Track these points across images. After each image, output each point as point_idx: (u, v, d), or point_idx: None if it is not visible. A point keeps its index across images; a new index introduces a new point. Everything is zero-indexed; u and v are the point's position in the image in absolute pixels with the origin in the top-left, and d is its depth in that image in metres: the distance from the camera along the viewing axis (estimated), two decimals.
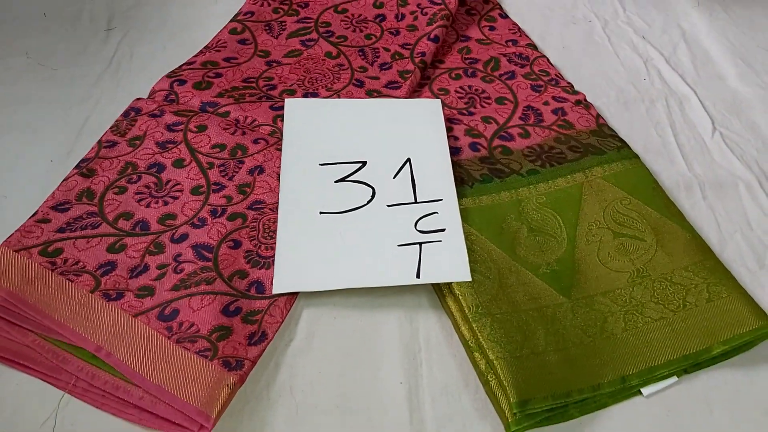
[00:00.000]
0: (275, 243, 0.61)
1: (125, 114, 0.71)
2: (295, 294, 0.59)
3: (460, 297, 0.58)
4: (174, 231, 0.62)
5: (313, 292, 0.60)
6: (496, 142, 0.72)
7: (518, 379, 0.53)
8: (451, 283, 0.59)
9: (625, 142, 0.72)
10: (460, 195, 0.65)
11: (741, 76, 0.86)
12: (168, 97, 0.73)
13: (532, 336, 0.56)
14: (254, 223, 0.63)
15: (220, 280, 0.58)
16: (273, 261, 0.60)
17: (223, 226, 0.62)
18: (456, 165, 0.68)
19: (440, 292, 0.60)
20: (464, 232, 0.62)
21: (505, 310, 0.58)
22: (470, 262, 0.60)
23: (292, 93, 0.76)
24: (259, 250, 0.61)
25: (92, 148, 0.68)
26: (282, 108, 0.72)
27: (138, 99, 0.73)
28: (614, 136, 0.73)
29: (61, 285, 0.57)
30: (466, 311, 0.57)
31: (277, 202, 0.64)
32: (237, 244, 0.61)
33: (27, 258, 0.58)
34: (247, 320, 0.56)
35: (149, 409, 0.51)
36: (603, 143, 0.72)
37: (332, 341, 0.58)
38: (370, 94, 0.76)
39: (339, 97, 0.76)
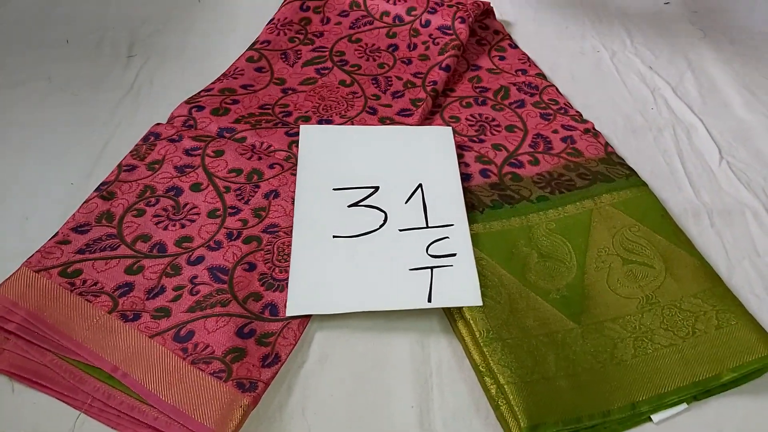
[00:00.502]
0: (289, 266, 0.62)
1: (145, 138, 0.73)
2: (308, 317, 0.60)
3: (471, 322, 0.59)
4: (191, 253, 0.63)
5: (325, 315, 0.61)
6: (506, 168, 0.73)
7: (529, 403, 0.53)
8: (462, 307, 0.60)
9: (633, 170, 0.74)
10: (471, 220, 0.67)
11: (747, 105, 0.87)
12: (186, 123, 0.75)
13: (543, 361, 0.57)
14: (269, 246, 0.64)
15: (234, 302, 0.60)
16: (287, 284, 0.61)
17: (238, 249, 0.64)
18: (467, 191, 0.70)
19: (451, 316, 0.61)
20: (475, 257, 0.63)
21: (515, 335, 0.58)
22: (481, 286, 0.61)
23: (307, 120, 0.77)
24: (274, 273, 0.62)
25: (112, 172, 0.69)
26: (297, 134, 0.74)
27: (157, 124, 0.75)
28: (622, 164, 0.74)
29: (79, 305, 0.58)
30: (477, 336, 0.58)
31: (292, 226, 0.65)
32: (252, 267, 0.62)
33: (47, 278, 0.59)
34: (260, 342, 0.57)
35: (164, 429, 0.52)
36: (611, 171, 0.73)
37: (344, 364, 0.58)
38: (383, 121, 0.78)
39: (353, 123, 0.77)
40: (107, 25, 0.92)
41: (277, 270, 0.63)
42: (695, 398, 0.57)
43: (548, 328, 0.59)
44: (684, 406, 0.56)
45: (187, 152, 0.72)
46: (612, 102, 0.86)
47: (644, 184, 0.72)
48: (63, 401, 0.54)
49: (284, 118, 0.77)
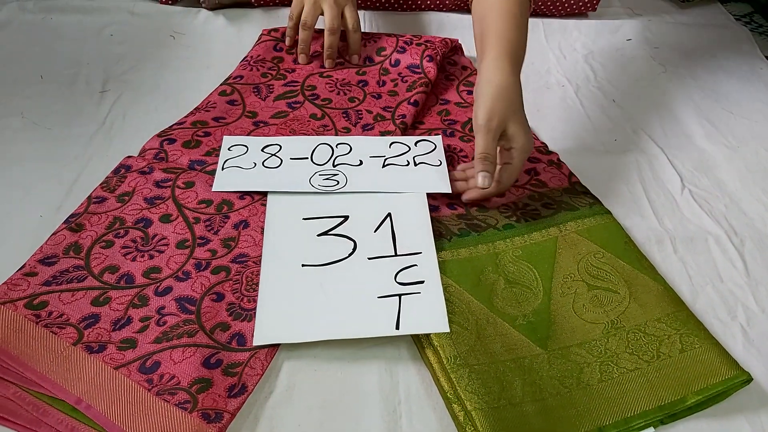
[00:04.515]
0: (257, 295, 0.63)
1: (115, 171, 0.74)
2: (276, 346, 0.60)
3: (439, 348, 0.59)
4: (158, 284, 0.63)
5: (293, 345, 0.60)
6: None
7: (496, 430, 0.53)
8: (429, 334, 0.60)
9: (597, 199, 0.75)
10: (439, 248, 0.68)
11: (708, 137, 0.90)
12: (158, 155, 0.76)
13: (510, 386, 0.57)
14: (237, 276, 0.64)
15: (202, 332, 0.59)
16: (255, 313, 0.61)
17: (206, 279, 0.64)
18: (434, 220, 0.71)
19: (420, 343, 0.61)
20: (443, 284, 0.64)
21: (482, 360, 0.59)
22: (448, 313, 0.61)
23: None
24: (242, 303, 0.62)
25: (81, 204, 0.70)
26: None
27: (128, 157, 0.76)
28: (586, 193, 0.76)
29: (44, 337, 0.58)
30: (444, 362, 0.58)
31: (261, 255, 0.66)
32: (220, 297, 0.62)
33: (12, 311, 0.59)
34: (227, 372, 0.57)
35: None
36: (575, 200, 0.75)
37: (312, 393, 0.58)
38: None
39: None
40: (82, 62, 0.93)
41: (245, 300, 0.63)
42: (662, 422, 0.57)
43: (515, 354, 0.60)
44: (651, 430, 0.57)
45: (158, 184, 0.72)
46: (576, 134, 0.89)
47: (608, 212, 0.74)
48: None
49: None
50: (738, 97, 0.98)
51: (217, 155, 0.76)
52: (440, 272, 0.65)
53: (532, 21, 1.09)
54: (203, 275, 0.64)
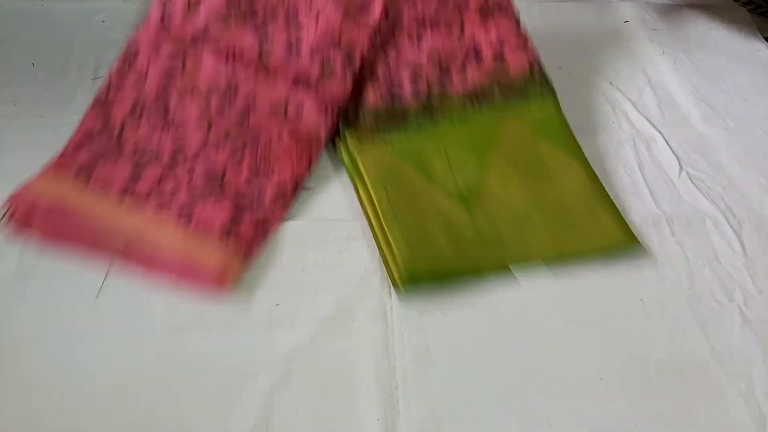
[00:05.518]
0: (273, 156, 0.73)
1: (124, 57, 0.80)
2: (293, 190, 0.73)
3: (375, 200, 0.70)
4: (185, 155, 0.73)
5: (289, 332, 0.61)
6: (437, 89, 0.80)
7: (413, 253, 0.66)
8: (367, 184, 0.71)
9: (551, 88, 0.82)
10: (401, 130, 0.76)
11: (705, 119, 0.89)
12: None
13: (434, 239, 0.68)
14: (255, 144, 0.74)
15: (228, 189, 0.71)
16: (273, 169, 0.72)
17: (227, 147, 0.74)
18: (400, 105, 0.78)
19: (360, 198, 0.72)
20: (386, 161, 0.74)
21: (413, 218, 0.69)
22: (390, 181, 0.72)
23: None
24: (260, 164, 0.73)
25: (104, 84, 0.78)
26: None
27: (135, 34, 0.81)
28: (543, 82, 0.83)
29: (92, 199, 0.69)
30: (380, 216, 0.69)
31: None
32: (241, 161, 0.73)
33: (60, 182, 0.70)
34: (253, 219, 0.68)
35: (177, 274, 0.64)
36: (529, 88, 0.82)
37: (309, 379, 0.58)
38: None
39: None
40: (73, 49, 0.92)
41: (263, 162, 0.73)
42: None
43: (443, 217, 0.70)
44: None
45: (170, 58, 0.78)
46: (574, 116, 0.88)
47: (556, 104, 0.81)
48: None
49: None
50: (737, 79, 0.97)
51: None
52: (391, 149, 0.74)
53: (527, 4, 1.09)
54: (225, 144, 0.74)
